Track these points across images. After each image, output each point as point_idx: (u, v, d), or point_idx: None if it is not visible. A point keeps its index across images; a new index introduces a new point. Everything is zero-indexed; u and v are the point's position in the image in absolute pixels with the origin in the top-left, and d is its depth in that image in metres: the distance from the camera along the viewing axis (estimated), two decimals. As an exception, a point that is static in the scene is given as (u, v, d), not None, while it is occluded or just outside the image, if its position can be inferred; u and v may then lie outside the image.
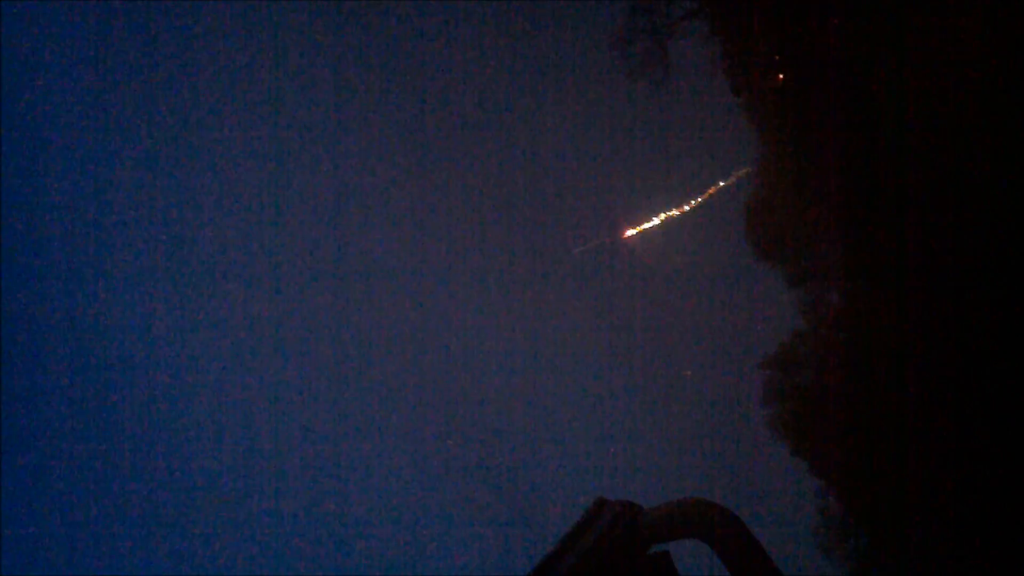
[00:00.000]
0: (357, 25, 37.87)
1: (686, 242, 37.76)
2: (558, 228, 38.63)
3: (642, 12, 24.71)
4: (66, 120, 41.42)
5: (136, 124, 41.18)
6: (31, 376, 42.02)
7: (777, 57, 24.24)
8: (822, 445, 23.93)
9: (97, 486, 42.56)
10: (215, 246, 43.28)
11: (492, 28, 37.31)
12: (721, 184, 32.50)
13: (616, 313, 39.09)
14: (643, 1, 24.67)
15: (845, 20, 21.06)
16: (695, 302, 38.53)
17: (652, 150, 36.65)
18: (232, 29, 39.94)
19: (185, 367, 44.30)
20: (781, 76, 24.40)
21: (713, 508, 2.65)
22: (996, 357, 18.64)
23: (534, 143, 39.66)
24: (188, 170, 41.89)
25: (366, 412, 41.71)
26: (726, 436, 36.39)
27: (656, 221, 37.33)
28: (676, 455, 37.98)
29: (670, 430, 38.51)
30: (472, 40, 37.58)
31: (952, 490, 19.73)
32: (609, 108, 35.98)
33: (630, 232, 38.61)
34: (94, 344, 43.31)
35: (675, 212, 35.91)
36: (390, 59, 39.38)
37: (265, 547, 43.78)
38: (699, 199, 35.03)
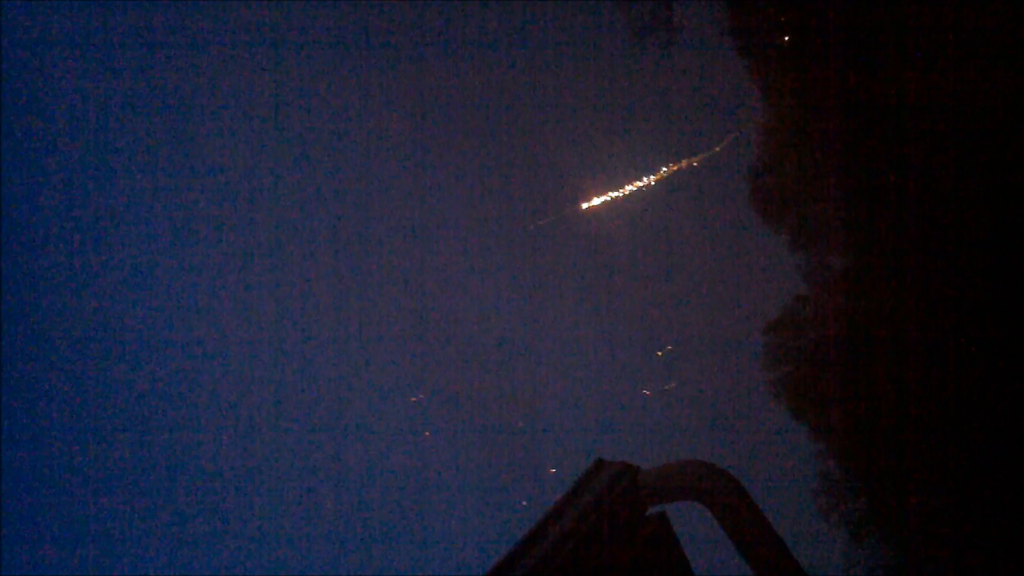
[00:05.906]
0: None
1: (688, 205, 37.63)
2: (557, 189, 38.37)
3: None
4: (66, 120, 41.18)
5: (136, 123, 40.96)
6: (31, 376, 42.12)
7: (783, 18, 23.97)
8: (823, 408, 24.02)
9: (97, 486, 42.74)
10: (216, 244, 43.20)
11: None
12: (725, 147, 32.31)
13: (619, 275, 39.04)
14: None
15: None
16: (697, 265, 38.47)
17: (655, 111, 36.34)
18: (232, 29, 39.50)
19: (185, 367, 44.38)
20: (787, 38, 24.15)
21: (712, 470, 2.65)
22: (999, 321, 18.63)
23: (532, 104, 39.29)
24: (188, 170, 41.73)
25: (367, 387, 41.89)
26: (727, 399, 36.51)
27: (659, 182, 37.20)
28: (677, 417, 38.12)
29: (671, 393, 38.61)
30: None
31: (952, 454, 19.81)
32: (612, 68, 35.61)
33: (632, 193, 38.48)
34: (93, 344, 43.36)
35: (678, 174, 35.76)
36: (380, 28, 38.86)
37: (264, 539, 44.05)
38: (702, 162, 34.86)
